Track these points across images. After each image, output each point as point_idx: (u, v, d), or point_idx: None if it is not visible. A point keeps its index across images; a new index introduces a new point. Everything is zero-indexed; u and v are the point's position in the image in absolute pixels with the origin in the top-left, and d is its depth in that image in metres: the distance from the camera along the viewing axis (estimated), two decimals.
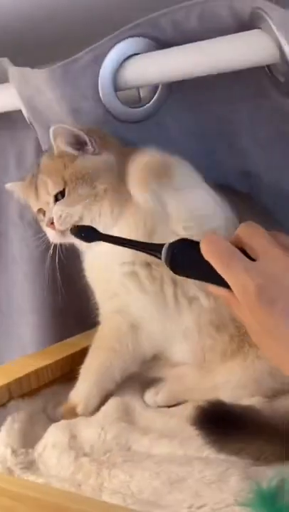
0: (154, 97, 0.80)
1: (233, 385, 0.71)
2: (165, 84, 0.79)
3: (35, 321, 0.99)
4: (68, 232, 0.72)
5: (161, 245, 0.58)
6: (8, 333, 1.02)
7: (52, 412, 0.78)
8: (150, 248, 0.60)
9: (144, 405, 0.77)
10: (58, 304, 0.94)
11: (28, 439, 0.70)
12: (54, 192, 0.73)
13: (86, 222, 0.72)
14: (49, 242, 0.77)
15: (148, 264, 0.72)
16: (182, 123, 0.83)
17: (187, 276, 0.61)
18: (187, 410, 0.70)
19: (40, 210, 0.77)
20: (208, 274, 0.55)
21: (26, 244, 0.97)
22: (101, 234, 0.65)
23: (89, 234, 0.66)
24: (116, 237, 0.65)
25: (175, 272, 0.59)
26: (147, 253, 0.61)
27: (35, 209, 0.79)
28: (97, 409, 0.76)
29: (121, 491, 0.59)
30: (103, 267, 0.75)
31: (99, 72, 0.74)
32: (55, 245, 0.76)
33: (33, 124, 0.84)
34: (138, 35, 0.73)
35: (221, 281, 0.54)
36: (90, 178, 0.72)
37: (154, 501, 0.56)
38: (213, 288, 0.57)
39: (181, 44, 0.71)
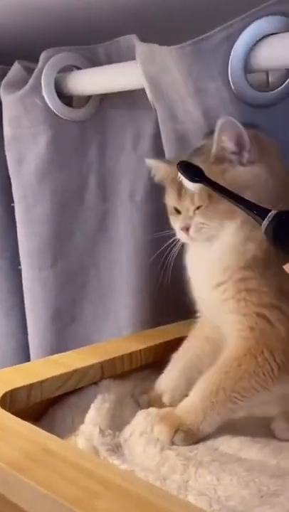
0: (286, 82, 0.75)
1: None
2: None
3: (133, 304, 0.98)
4: (197, 236, 0.70)
5: (267, 210, 0.54)
6: (107, 313, 1.02)
7: (138, 397, 0.77)
8: (254, 209, 0.56)
9: None
10: (157, 289, 0.93)
11: (116, 420, 0.70)
12: (198, 204, 0.69)
13: (220, 236, 0.69)
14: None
15: None
16: None
17: (283, 251, 0.56)
18: None
19: (175, 209, 0.74)
20: None
21: (132, 227, 0.97)
22: (207, 178, 0.61)
23: (196, 175, 0.62)
24: (222, 186, 0.61)
25: (273, 243, 0.55)
26: (248, 213, 0.57)
27: (170, 203, 0.75)
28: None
29: (207, 493, 0.56)
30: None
31: (230, 52, 0.70)
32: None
33: (154, 105, 0.82)
34: (278, 14, 0.67)
35: None
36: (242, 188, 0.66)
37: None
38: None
39: None
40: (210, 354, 0.73)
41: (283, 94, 0.75)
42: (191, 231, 0.70)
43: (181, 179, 0.66)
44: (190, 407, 0.67)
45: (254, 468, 0.60)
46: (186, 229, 0.70)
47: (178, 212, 0.73)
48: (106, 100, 0.96)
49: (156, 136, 0.88)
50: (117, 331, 1.00)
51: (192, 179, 0.63)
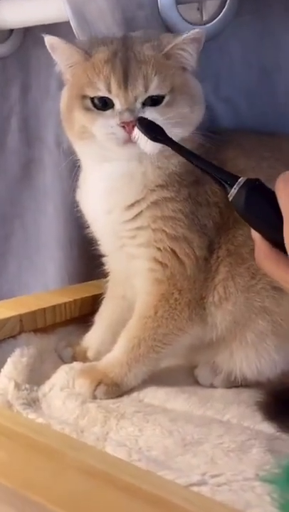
0: (219, 16, 0.70)
1: None
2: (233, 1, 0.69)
3: (61, 258, 0.93)
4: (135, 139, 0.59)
5: (236, 177, 0.49)
6: (33, 267, 0.97)
7: (62, 351, 0.73)
8: (220, 174, 0.51)
9: None
10: (86, 243, 0.88)
11: (35, 375, 0.65)
12: (156, 92, 0.60)
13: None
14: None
15: None
16: (247, 52, 0.74)
17: (247, 220, 0.52)
18: None
19: (107, 101, 0.61)
20: (269, 224, 0.48)
21: (59, 175, 0.91)
22: (170, 139, 0.55)
23: (157, 133, 0.56)
24: (186, 148, 0.55)
25: (241, 211, 0.49)
26: (214, 178, 0.51)
27: (91, 93, 0.61)
28: None
29: (127, 444, 0.53)
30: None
31: None
32: None
33: (79, 37, 0.76)
34: None
35: (278, 236, 0.46)
36: (192, 99, 0.63)
37: (163, 461, 0.51)
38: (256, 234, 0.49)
39: None
40: (130, 310, 0.68)
41: (216, 29, 0.71)
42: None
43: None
44: (114, 361, 0.64)
45: (179, 418, 0.58)
46: (132, 125, 0.59)
47: (105, 105, 0.61)
48: (30, 35, 0.88)
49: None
50: (44, 287, 0.95)
51: (153, 138, 0.56)
